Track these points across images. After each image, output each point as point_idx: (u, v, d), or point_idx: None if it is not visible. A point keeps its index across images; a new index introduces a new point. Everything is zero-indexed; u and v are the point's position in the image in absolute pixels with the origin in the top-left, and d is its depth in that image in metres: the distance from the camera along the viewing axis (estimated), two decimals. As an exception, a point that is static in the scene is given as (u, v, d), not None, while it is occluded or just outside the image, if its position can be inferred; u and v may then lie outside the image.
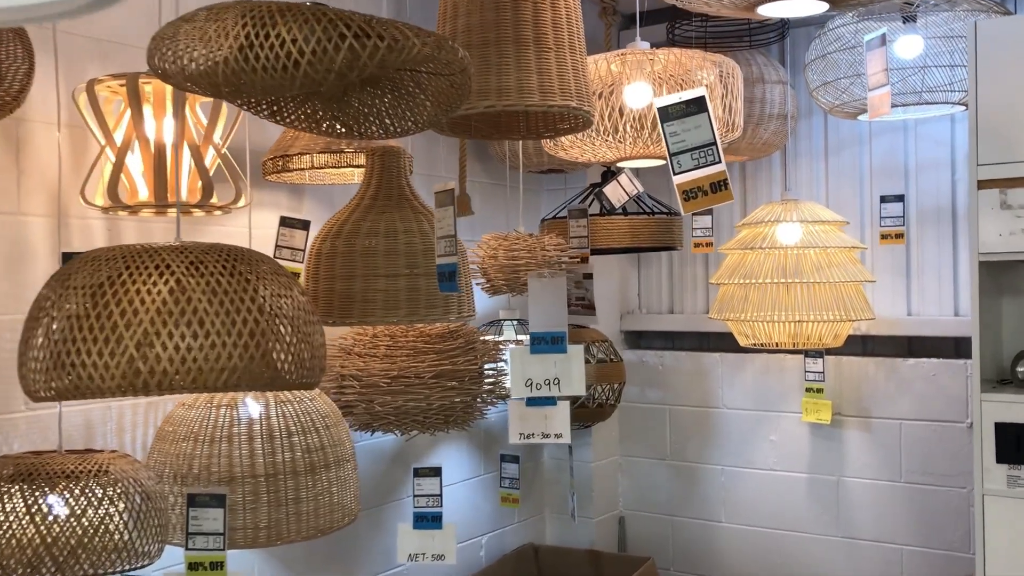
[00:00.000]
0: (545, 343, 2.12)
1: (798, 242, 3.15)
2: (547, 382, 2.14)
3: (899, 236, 3.26)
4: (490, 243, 2.53)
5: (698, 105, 1.53)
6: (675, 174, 1.54)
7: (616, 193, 2.72)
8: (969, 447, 3.26)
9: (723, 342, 3.75)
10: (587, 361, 3.47)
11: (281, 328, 1.42)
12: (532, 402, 2.59)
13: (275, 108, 1.60)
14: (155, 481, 1.85)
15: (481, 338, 2.83)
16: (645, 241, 2.79)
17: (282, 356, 1.42)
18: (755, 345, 3.26)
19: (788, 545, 3.61)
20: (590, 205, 2.85)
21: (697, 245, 3.77)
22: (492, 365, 2.63)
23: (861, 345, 3.60)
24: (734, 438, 3.75)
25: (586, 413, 3.52)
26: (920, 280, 3.46)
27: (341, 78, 1.29)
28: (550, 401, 2.60)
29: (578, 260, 2.62)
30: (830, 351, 3.45)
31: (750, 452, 3.70)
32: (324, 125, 1.63)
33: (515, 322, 3.22)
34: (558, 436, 2.57)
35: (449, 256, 1.72)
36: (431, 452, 3.29)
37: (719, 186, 1.52)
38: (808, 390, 3.53)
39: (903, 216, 3.25)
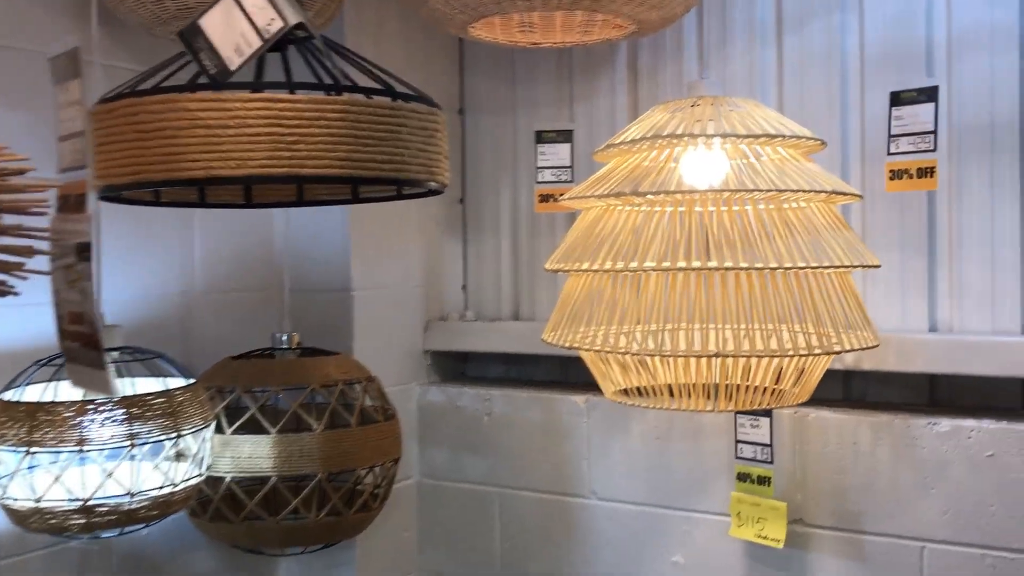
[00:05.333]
0: None
1: (722, 183, 1.45)
2: None
3: (927, 173, 1.59)
4: None
5: None
6: None
7: (231, 30, 1.00)
8: (1067, 606, 1.60)
9: (594, 376, 2.02)
10: (306, 428, 1.75)
11: None
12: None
13: None
14: None
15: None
16: (312, 164, 1.06)
17: None
18: (628, 396, 1.57)
19: None
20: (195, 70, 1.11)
21: (544, 198, 2.06)
22: None
23: (841, 388, 1.92)
24: (611, 556, 2.05)
25: (308, 529, 1.79)
26: (955, 264, 1.79)
27: None
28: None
29: (47, 204, 0.88)
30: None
31: (638, 581, 2.01)
32: None
33: (119, 355, 1.48)
34: None
35: None
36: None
37: None
38: (742, 477, 1.84)
39: (934, 132, 1.58)
